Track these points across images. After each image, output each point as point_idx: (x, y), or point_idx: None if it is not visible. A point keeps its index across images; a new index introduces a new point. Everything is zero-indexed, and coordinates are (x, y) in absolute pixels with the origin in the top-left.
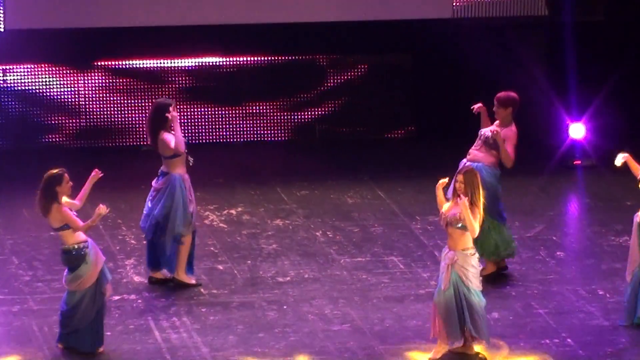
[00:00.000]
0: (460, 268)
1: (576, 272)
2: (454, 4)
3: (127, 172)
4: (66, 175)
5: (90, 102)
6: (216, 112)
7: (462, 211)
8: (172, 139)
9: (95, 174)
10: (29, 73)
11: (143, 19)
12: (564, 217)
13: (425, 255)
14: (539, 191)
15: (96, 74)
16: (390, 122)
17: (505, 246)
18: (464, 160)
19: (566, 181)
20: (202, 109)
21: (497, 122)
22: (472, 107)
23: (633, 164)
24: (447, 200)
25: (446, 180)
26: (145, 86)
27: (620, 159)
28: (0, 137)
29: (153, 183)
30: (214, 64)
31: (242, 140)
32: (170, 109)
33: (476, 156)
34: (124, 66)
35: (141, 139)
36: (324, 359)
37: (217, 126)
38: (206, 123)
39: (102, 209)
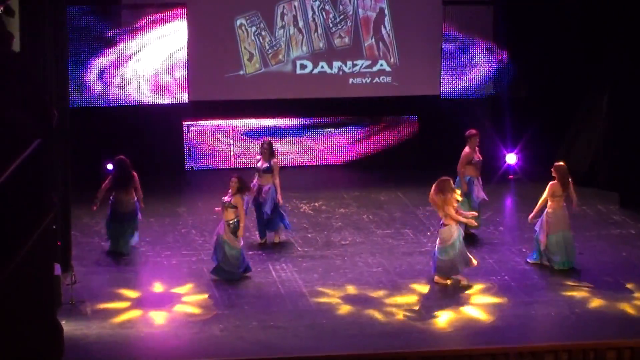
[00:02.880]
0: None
1: (510, 238)
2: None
3: None
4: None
5: None
6: None
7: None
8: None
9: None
10: None
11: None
12: (503, 207)
13: (424, 229)
14: (489, 193)
15: None
16: None
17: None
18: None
19: (504, 187)
20: None
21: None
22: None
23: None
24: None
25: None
26: None
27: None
28: None
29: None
30: None
31: None
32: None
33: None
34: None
35: None
36: (365, 288)
37: None
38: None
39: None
